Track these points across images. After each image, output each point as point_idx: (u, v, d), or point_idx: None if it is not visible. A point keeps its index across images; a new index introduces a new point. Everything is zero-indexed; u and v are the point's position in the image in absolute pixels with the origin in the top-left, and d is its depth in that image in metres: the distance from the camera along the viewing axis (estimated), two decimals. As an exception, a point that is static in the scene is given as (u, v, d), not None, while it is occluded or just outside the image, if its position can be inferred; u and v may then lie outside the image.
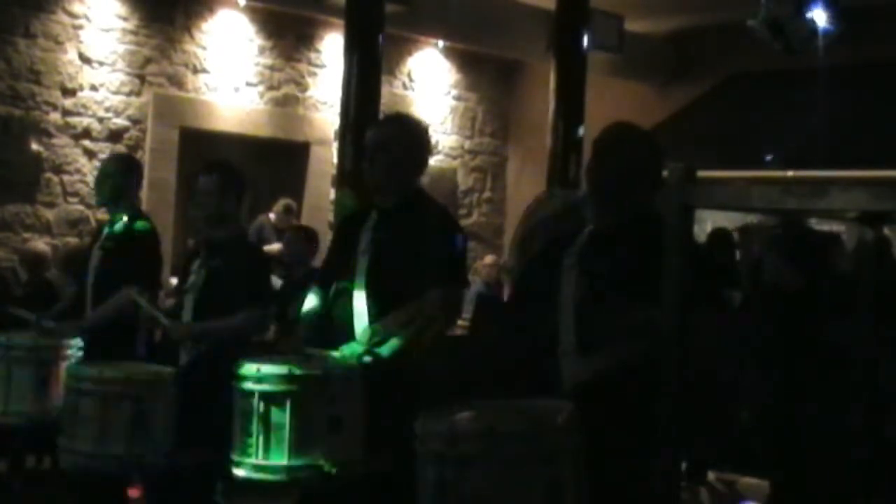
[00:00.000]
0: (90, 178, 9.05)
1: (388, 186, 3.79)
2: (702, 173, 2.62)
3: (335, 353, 3.57)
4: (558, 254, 3.21)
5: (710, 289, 3.17)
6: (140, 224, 4.99)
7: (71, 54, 9.33)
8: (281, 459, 3.31)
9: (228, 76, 10.31)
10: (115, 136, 9.60)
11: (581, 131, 8.85)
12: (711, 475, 6.79)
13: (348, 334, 3.66)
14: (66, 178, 9.36)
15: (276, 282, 9.17)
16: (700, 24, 11.15)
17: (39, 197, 9.24)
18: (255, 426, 3.33)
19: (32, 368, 4.49)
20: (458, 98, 12.38)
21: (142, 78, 9.77)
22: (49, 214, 9.29)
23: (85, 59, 9.41)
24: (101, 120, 9.53)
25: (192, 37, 10.08)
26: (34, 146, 9.15)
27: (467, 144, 12.56)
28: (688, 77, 11.67)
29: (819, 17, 8.14)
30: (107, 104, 9.56)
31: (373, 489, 3.47)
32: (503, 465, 2.57)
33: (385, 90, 8.81)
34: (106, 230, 5.06)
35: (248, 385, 3.38)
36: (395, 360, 3.56)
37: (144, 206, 6.19)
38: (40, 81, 9.17)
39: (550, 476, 2.59)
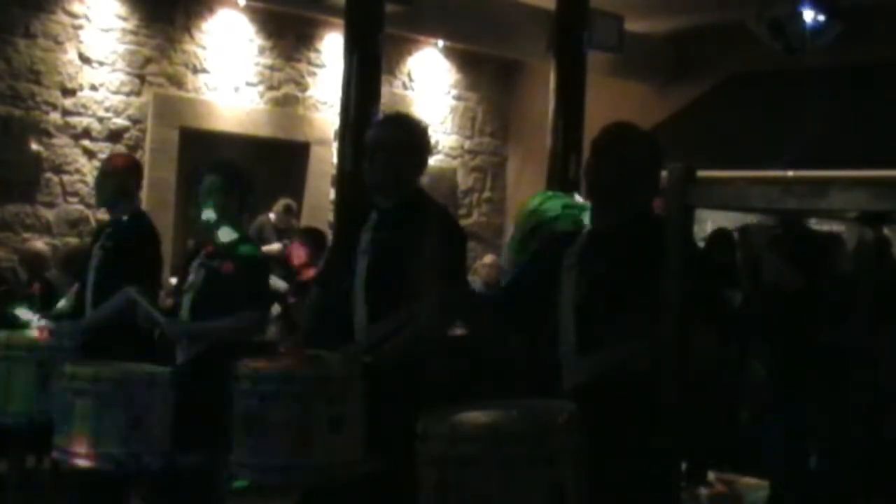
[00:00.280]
0: (90, 178, 9.05)
1: (388, 187, 3.78)
2: (702, 173, 2.62)
3: (335, 354, 3.57)
4: (558, 254, 3.21)
5: (710, 289, 3.17)
6: (140, 224, 4.99)
7: (71, 54, 9.33)
8: (280, 460, 3.31)
9: (228, 76, 10.31)
10: (115, 136, 9.60)
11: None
12: (711, 475, 6.79)
13: (348, 334, 3.66)
14: (66, 178, 9.36)
15: (277, 282, 9.19)
16: (700, 24, 11.15)
17: (39, 197, 9.24)
18: (253, 426, 3.33)
19: (32, 368, 4.49)
20: (458, 98, 12.38)
21: (142, 78, 9.77)
22: (49, 214, 9.29)
23: (85, 59, 9.41)
24: (101, 120, 9.53)
25: (192, 37, 10.08)
26: (34, 146, 9.15)
27: (467, 144, 12.56)
28: (688, 77, 11.67)
29: (818, 17, 8.14)
30: (107, 104, 9.56)
31: (373, 490, 3.47)
32: (504, 466, 2.57)
33: (385, 90, 8.81)
34: (106, 230, 5.06)
35: (247, 385, 3.38)
36: (395, 360, 3.56)
37: (144, 206, 6.18)
38: (40, 81, 9.17)
39: (551, 477, 2.59)
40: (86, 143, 9.44)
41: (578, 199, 4.66)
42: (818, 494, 5.45)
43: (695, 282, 2.58)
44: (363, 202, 3.96)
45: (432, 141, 4.23)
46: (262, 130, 10.61)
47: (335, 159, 9.29)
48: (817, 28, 8.25)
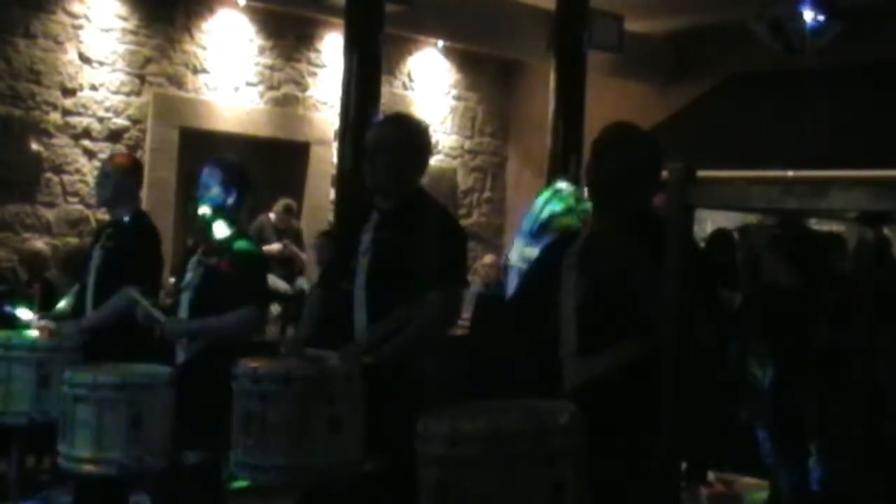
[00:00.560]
0: (90, 178, 9.05)
1: (389, 187, 3.78)
2: (702, 173, 2.62)
3: (335, 354, 3.57)
4: (558, 254, 3.22)
5: (710, 289, 3.17)
6: (141, 224, 4.99)
7: (71, 54, 9.33)
8: (280, 460, 3.31)
9: (228, 76, 10.31)
10: (115, 136, 9.60)
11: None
12: (711, 475, 6.79)
13: (349, 335, 3.66)
14: (66, 178, 9.36)
15: (277, 282, 9.20)
16: (700, 24, 11.15)
17: (39, 197, 9.24)
18: (253, 426, 3.33)
19: (32, 368, 4.49)
20: (458, 98, 12.38)
21: (142, 78, 9.77)
22: (49, 214, 9.29)
23: (85, 59, 9.41)
24: (101, 120, 9.53)
25: (192, 37, 10.08)
26: (34, 146, 9.15)
27: (467, 144, 12.56)
28: (687, 77, 11.66)
29: (818, 17, 8.14)
30: (107, 104, 9.56)
31: (373, 490, 3.47)
32: (505, 467, 2.57)
33: (385, 90, 8.82)
34: (106, 230, 5.05)
35: (247, 385, 3.38)
36: (395, 360, 3.56)
37: (144, 206, 6.16)
38: (40, 81, 9.16)
39: (552, 477, 2.59)
40: (86, 143, 9.44)
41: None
42: (818, 494, 5.45)
43: (695, 282, 2.59)
44: (363, 202, 3.96)
45: (433, 141, 4.23)
46: (262, 130, 10.61)
47: (335, 159, 9.29)
48: (817, 28, 8.25)
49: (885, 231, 5.55)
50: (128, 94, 9.69)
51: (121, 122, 9.66)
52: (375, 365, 3.51)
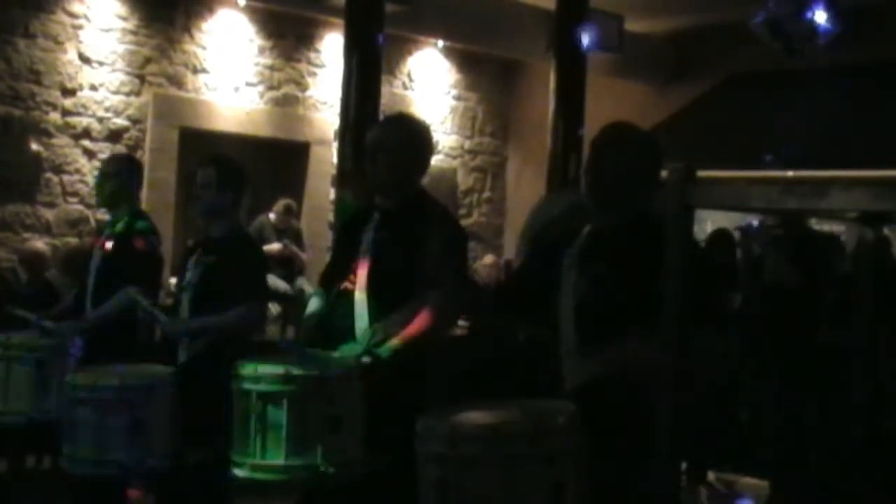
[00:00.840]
0: (90, 178, 9.05)
1: (390, 187, 3.78)
2: (702, 173, 2.62)
3: (334, 354, 3.57)
4: (558, 254, 3.21)
5: (710, 289, 3.17)
6: (140, 224, 4.99)
7: (71, 54, 9.33)
8: (279, 459, 3.31)
9: (228, 76, 10.31)
10: (115, 136, 9.60)
11: (581, 131, 8.86)
12: (711, 475, 6.79)
13: (349, 335, 3.66)
14: (65, 178, 9.36)
15: (277, 282, 9.20)
16: (700, 24, 11.15)
17: (39, 197, 9.24)
18: (253, 426, 3.33)
19: (32, 368, 4.49)
20: (458, 98, 12.38)
21: (142, 78, 9.77)
22: (49, 214, 9.29)
23: (85, 59, 9.41)
24: (100, 120, 9.53)
25: (192, 37, 10.08)
26: (34, 146, 9.15)
27: (467, 144, 12.56)
28: (687, 77, 11.66)
29: (819, 17, 8.14)
30: (107, 104, 9.56)
31: (373, 489, 3.47)
32: (504, 466, 2.57)
33: (385, 90, 8.82)
34: (106, 230, 5.05)
35: (246, 385, 3.37)
36: (395, 360, 3.56)
37: (144, 206, 6.17)
38: (40, 81, 9.16)
39: (552, 477, 2.59)
40: (86, 143, 9.44)
41: None
42: (818, 494, 5.45)
43: (694, 282, 2.59)
44: (363, 202, 3.96)
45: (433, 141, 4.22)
46: (262, 130, 10.61)
47: (335, 159, 9.29)
48: (817, 28, 8.25)
49: (886, 231, 5.56)
50: (128, 94, 9.69)
51: (121, 122, 9.66)
52: (375, 365, 3.51)
